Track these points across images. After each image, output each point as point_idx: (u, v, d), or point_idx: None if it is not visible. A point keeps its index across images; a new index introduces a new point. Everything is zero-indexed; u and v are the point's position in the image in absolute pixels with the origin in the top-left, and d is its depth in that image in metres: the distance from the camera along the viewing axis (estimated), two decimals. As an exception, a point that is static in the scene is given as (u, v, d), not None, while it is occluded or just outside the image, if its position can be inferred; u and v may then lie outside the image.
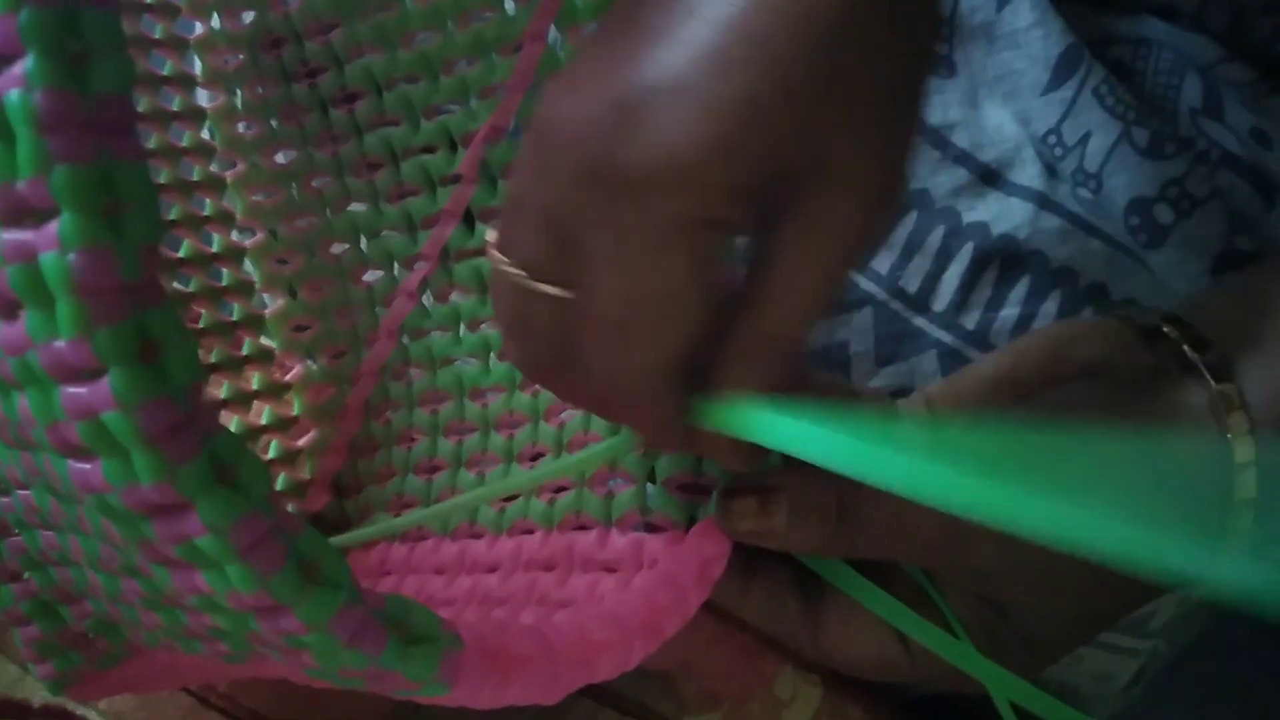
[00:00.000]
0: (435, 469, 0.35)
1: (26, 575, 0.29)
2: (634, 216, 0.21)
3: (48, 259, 0.16)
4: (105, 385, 0.16)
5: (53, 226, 0.16)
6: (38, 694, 0.31)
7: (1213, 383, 0.25)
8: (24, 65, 0.16)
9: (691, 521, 0.28)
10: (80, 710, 0.31)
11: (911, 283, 0.35)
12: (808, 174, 0.21)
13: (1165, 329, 0.27)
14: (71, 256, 0.16)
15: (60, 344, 0.16)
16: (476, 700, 0.22)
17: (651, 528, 0.29)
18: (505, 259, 0.24)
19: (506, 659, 0.22)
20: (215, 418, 0.18)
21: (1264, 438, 0.25)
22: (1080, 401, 0.26)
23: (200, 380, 0.18)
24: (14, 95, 0.16)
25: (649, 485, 0.29)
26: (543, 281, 0.23)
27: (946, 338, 0.34)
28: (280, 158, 0.37)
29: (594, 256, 0.22)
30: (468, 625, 0.21)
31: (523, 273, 0.23)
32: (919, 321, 0.34)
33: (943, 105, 0.36)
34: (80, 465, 0.18)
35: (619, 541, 0.29)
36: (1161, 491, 0.25)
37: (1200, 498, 0.25)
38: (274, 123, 0.37)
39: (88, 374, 0.17)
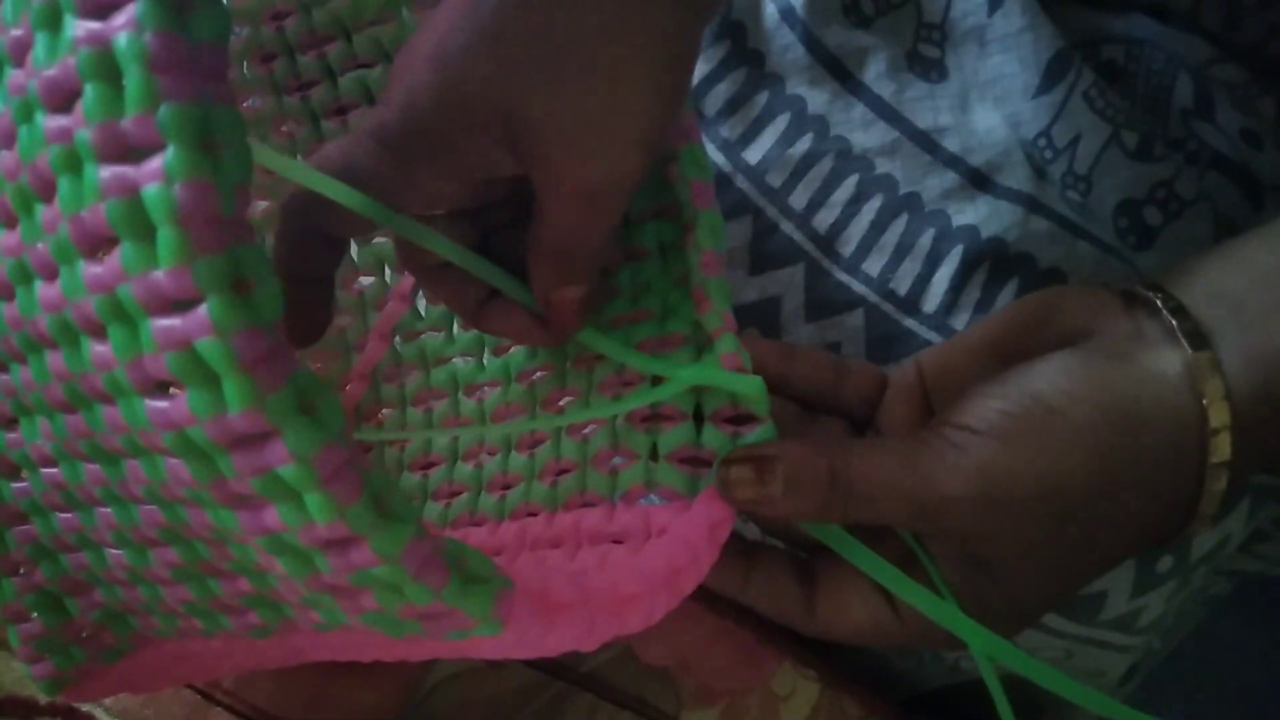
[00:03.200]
0: (430, 465, 0.36)
1: (23, 570, 0.28)
2: None
3: (151, 191, 0.17)
4: (202, 313, 0.17)
5: (157, 161, 0.17)
6: (41, 692, 0.30)
7: (1189, 349, 0.26)
8: (133, 10, 0.17)
9: (694, 493, 0.30)
10: (86, 707, 0.30)
11: (902, 285, 0.36)
12: (528, 123, 0.25)
13: (1145, 296, 0.28)
14: (176, 188, 0.17)
15: (158, 274, 0.17)
16: (523, 643, 0.23)
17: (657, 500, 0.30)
18: None
19: (550, 604, 0.23)
20: (295, 355, 0.19)
21: (1239, 402, 0.26)
22: (1059, 370, 0.27)
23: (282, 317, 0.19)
24: (124, 37, 0.17)
25: (651, 460, 0.30)
26: None
27: (937, 339, 0.35)
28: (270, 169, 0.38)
29: None
30: (514, 571, 0.22)
31: None
32: (909, 323, 0.36)
33: (933, 110, 0.37)
34: (159, 404, 0.19)
35: (626, 514, 0.30)
36: (1137, 455, 0.27)
37: (1176, 460, 0.27)
38: (264, 134, 0.37)
39: (183, 304, 0.17)
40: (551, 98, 0.24)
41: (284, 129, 0.37)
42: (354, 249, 0.37)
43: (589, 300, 0.29)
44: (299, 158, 0.38)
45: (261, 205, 0.38)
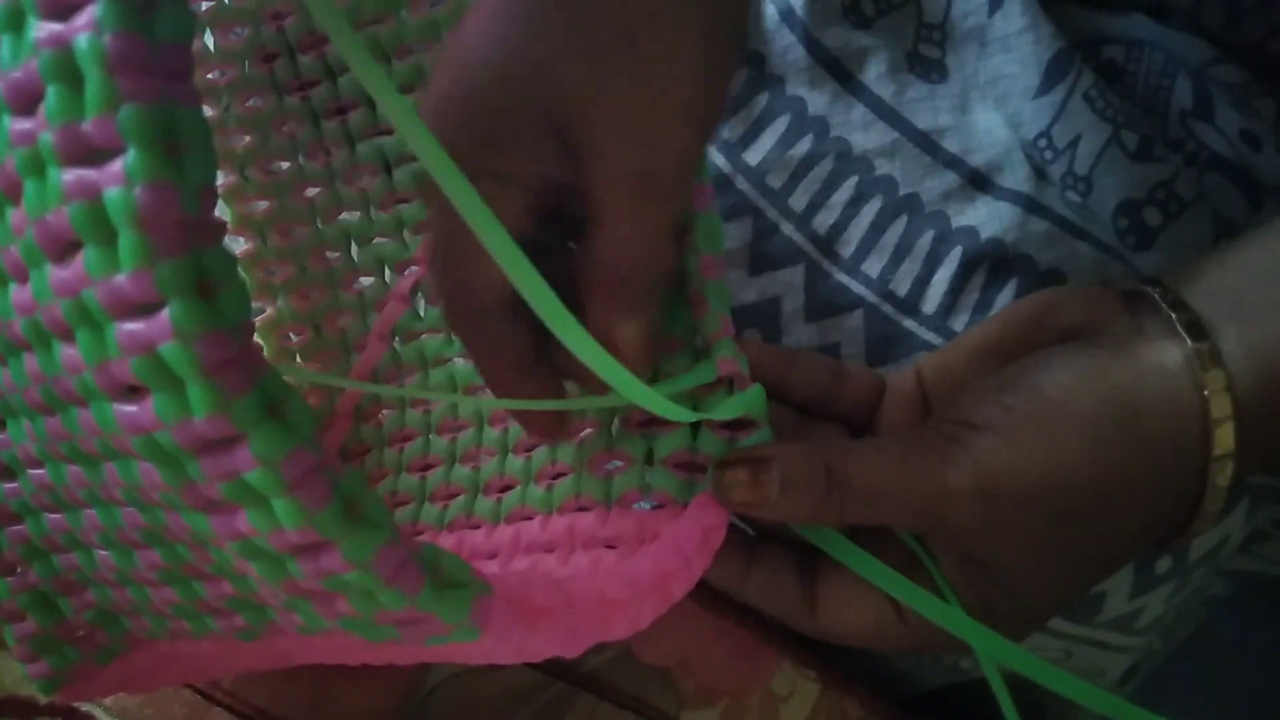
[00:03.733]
0: (429, 466, 0.35)
1: (20, 570, 0.28)
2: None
3: (112, 194, 0.17)
4: (164, 318, 0.17)
5: (118, 164, 0.17)
6: (42, 691, 0.30)
7: (1189, 341, 0.26)
8: (93, 11, 0.17)
9: (689, 498, 0.29)
10: (86, 707, 0.30)
11: (901, 286, 0.36)
12: (578, 108, 0.24)
13: (1144, 292, 0.28)
14: (137, 191, 0.17)
15: (121, 278, 0.17)
16: (502, 648, 0.22)
17: (651, 505, 0.30)
18: None
19: (531, 609, 0.22)
20: (263, 358, 0.19)
21: (1241, 393, 0.26)
22: (1059, 364, 0.27)
23: (250, 320, 0.19)
24: (83, 39, 0.17)
25: (647, 465, 0.30)
26: None
27: (936, 340, 0.35)
28: (271, 169, 0.38)
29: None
30: (494, 576, 0.22)
31: None
32: (909, 324, 0.35)
33: (933, 110, 0.37)
34: (127, 408, 0.19)
35: (620, 519, 0.30)
36: (1139, 448, 0.26)
37: (1178, 453, 0.26)
38: (266, 135, 0.37)
39: (146, 308, 0.17)
40: (598, 79, 0.24)
41: (285, 129, 0.37)
42: (354, 249, 0.37)
43: (652, 330, 0.27)
44: (301, 158, 0.38)
45: (262, 205, 0.38)
